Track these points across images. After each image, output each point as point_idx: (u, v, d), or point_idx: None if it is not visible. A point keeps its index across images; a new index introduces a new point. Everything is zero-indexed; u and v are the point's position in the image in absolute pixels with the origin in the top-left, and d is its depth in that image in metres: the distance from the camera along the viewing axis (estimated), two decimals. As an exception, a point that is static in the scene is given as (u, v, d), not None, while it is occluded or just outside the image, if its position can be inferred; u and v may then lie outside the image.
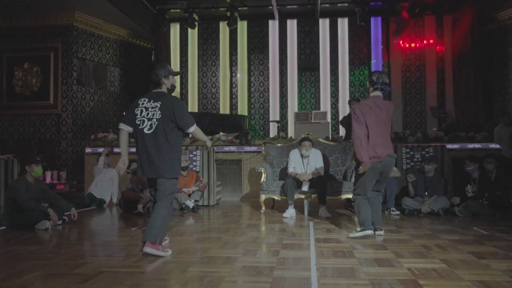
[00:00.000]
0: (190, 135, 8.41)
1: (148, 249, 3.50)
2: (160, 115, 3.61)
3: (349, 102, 7.42)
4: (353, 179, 6.31)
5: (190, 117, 3.74)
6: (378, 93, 4.31)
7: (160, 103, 3.65)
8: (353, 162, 6.46)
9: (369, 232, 4.21)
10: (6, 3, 9.27)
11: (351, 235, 4.29)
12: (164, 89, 3.80)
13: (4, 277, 2.97)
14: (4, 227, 5.11)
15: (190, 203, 6.39)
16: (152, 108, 3.65)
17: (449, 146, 7.66)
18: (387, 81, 4.30)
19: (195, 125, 3.77)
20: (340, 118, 11.66)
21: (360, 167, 4.22)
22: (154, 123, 3.61)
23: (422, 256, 3.43)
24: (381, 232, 4.36)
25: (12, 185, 5.24)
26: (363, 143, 4.18)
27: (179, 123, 3.66)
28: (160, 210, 3.62)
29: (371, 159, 4.18)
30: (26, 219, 4.97)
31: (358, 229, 4.34)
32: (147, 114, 3.65)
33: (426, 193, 6.05)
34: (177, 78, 11.69)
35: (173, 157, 3.68)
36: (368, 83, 4.41)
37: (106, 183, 7.50)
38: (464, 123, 10.33)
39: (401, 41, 11.79)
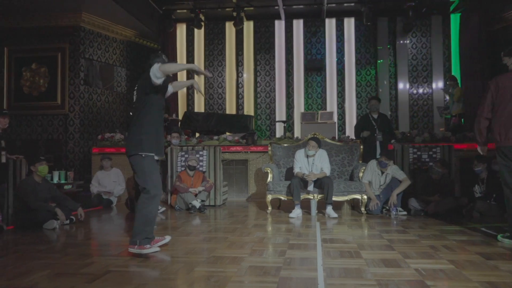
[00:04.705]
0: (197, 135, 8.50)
1: None
2: None
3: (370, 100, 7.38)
4: (363, 180, 6.29)
5: None
6: None
7: None
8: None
9: None
10: (14, 4, 9.34)
11: (499, 237, 3.78)
12: None
13: (12, 276, 2.98)
14: (12, 227, 5.15)
15: (197, 203, 6.41)
16: None
17: (456, 146, 7.61)
18: None
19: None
20: (347, 118, 11.70)
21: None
22: None
23: (430, 257, 3.41)
24: None
25: (20, 185, 5.28)
26: (481, 122, 3.60)
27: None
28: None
29: (500, 139, 3.34)
30: (34, 219, 5.01)
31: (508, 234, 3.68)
32: None
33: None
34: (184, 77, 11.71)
35: None
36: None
37: (110, 185, 7.52)
38: (472, 123, 10.23)
39: (407, 41, 11.75)
